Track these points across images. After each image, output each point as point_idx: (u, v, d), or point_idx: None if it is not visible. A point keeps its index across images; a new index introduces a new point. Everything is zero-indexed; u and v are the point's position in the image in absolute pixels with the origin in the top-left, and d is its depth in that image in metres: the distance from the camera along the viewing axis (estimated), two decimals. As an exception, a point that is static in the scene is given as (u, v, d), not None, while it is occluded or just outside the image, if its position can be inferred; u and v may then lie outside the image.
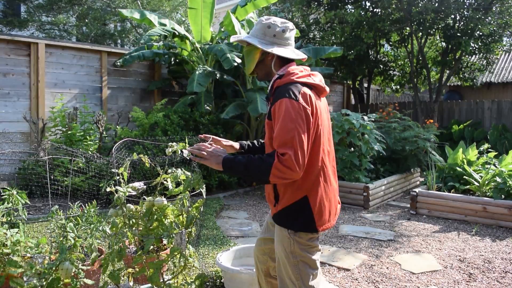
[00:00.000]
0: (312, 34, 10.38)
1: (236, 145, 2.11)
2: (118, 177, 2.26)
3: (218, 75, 6.62)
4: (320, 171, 1.84)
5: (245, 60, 1.97)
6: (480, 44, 8.94)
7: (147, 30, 12.83)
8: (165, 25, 6.69)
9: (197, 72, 6.21)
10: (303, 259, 1.83)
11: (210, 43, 7.12)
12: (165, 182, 2.35)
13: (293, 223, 1.82)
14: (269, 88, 1.94)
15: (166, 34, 6.37)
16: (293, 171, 1.67)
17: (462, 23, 8.81)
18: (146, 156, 2.31)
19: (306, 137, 1.72)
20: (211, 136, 2.07)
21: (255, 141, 2.16)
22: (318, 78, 1.90)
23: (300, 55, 1.91)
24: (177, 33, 6.52)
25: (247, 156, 1.78)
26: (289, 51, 1.88)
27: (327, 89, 1.92)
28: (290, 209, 1.82)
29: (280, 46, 1.88)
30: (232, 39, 1.96)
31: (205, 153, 1.83)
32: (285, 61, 1.91)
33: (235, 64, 5.89)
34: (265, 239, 2.09)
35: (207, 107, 6.45)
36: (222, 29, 7.04)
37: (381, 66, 11.16)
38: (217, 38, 7.22)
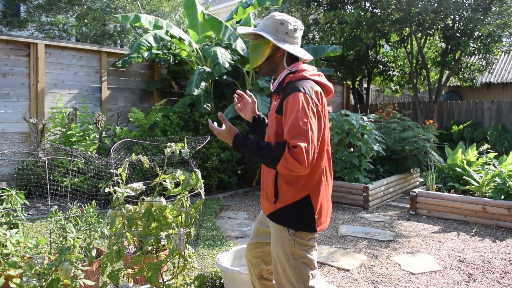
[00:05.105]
0: (311, 34, 10.37)
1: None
2: (116, 178, 2.26)
3: (217, 76, 6.61)
4: (323, 171, 1.84)
5: (251, 54, 1.91)
6: (479, 44, 8.95)
7: (146, 30, 12.83)
8: (161, 27, 6.65)
9: (195, 74, 6.20)
10: (304, 260, 1.81)
11: (210, 44, 7.12)
12: (164, 182, 2.35)
13: (294, 221, 1.79)
14: (276, 82, 1.92)
15: (158, 40, 6.41)
16: (302, 165, 1.63)
17: (461, 23, 8.81)
18: (145, 156, 2.31)
19: (317, 134, 1.71)
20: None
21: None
22: (325, 79, 1.92)
23: (307, 55, 1.92)
24: (172, 36, 6.51)
25: (256, 142, 1.75)
26: (299, 50, 1.89)
27: (333, 90, 1.93)
28: (291, 208, 1.79)
29: (291, 44, 1.88)
30: (240, 30, 1.91)
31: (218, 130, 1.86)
32: (293, 60, 1.91)
33: (225, 71, 5.91)
34: (256, 244, 2.08)
35: (207, 108, 6.44)
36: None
37: (381, 67, 11.16)
38: (216, 38, 7.20)
